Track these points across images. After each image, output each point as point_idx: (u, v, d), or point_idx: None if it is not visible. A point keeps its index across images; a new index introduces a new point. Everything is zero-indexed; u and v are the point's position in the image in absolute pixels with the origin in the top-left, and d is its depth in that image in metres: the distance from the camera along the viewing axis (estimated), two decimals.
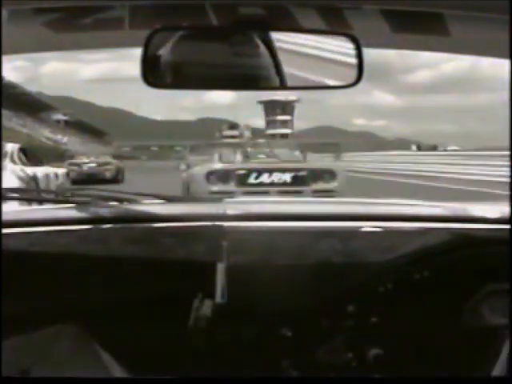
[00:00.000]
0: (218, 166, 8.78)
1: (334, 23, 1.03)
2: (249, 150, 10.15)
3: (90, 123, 76.36)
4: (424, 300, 1.41)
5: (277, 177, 8.13)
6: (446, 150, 32.21)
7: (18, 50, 1.17)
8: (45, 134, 50.61)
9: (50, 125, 56.70)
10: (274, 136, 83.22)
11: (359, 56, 1.01)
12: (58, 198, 1.51)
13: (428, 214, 1.49)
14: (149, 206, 1.49)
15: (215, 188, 7.88)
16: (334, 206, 1.67)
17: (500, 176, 12.69)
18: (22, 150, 9.91)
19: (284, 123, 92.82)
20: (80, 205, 1.44)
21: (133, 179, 17.71)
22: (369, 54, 1.07)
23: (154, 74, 1.01)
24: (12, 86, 44.36)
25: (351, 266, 1.40)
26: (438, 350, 1.41)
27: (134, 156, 56.01)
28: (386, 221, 1.44)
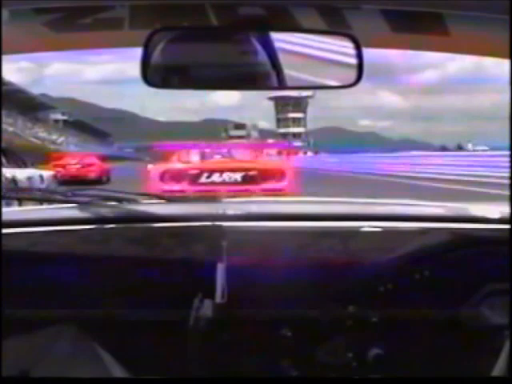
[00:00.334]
0: (171, 165, 9.19)
1: (333, 23, 1.04)
2: (207, 150, 10.39)
3: (90, 123, 75.93)
4: (424, 300, 1.41)
5: (228, 176, 8.49)
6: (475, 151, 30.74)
7: (18, 49, 1.17)
8: (37, 134, 49.60)
9: (44, 124, 55.89)
10: (285, 135, 79.35)
11: (359, 56, 1.01)
12: (59, 198, 1.51)
13: (428, 214, 1.49)
14: (149, 206, 1.50)
15: (167, 187, 8.04)
16: (334, 205, 1.67)
17: None
18: (2, 151, 9.53)
19: (296, 121, 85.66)
20: (80, 205, 1.44)
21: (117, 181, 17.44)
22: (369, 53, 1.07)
23: (153, 74, 1.01)
24: (4, 84, 43.71)
25: (351, 266, 1.40)
26: (438, 350, 1.41)
27: (127, 157, 54.66)
28: (385, 221, 1.45)
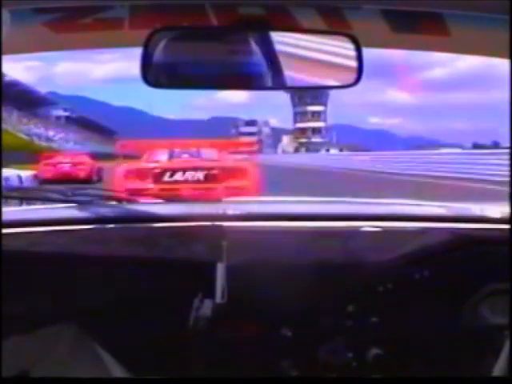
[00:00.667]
0: (135, 164, 9.31)
1: (333, 23, 1.03)
2: (176, 150, 10.44)
3: (93, 119, 74.86)
4: (424, 300, 1.41)
5: (190, 175, 8.59)
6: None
7: (18, 50, 1.17)
8: (29, 131, 47.86)
9: (40, 120, 54.77)
10: (302, 130, 72.87)
11: (359, 56, 1.01)
12: (59, 198, 1.51)
13: (428, 214, 1.49)
14: (149, 206, 1.50)
15: (132, 186, 8.08)
16: (334, 205, 1.67)
17: None
18: None
19: (316, 115, 74.59)
20: (80, 205, 1.44)
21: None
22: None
23: (153, 73, 1.01)
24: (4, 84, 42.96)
25: (351, 266, 1.40)
26: (438, 350, 1.41)
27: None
28: (386, 221, 1.45)
